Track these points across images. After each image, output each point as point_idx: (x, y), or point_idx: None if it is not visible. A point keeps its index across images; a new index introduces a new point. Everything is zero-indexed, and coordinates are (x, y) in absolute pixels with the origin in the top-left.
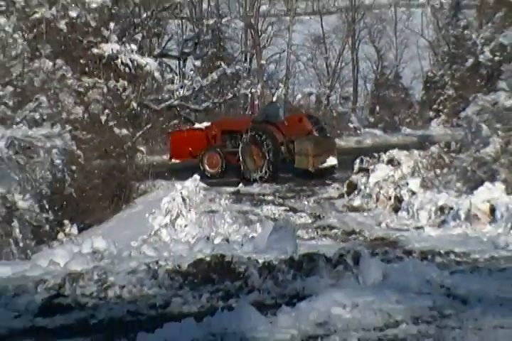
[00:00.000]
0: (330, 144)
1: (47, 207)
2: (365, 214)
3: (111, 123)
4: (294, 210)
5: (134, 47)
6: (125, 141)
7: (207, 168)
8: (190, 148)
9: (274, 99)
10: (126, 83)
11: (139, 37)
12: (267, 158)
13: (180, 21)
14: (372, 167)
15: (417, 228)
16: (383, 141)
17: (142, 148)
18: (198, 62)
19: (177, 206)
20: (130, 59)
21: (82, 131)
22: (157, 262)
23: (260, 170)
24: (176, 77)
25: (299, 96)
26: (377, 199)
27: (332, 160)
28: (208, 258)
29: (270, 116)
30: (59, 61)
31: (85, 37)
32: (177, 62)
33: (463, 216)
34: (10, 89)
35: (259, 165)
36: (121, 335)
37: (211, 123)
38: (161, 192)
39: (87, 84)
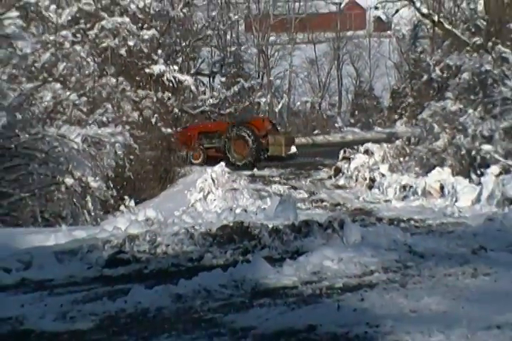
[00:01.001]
0: (291, 138)
1: (111, 186)
2: (348, 190)
3: (159, 124)
4: (295, 188)
5: (175, 67)
6: (169, 138)
7: (193, 160)
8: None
9: (280, 106)
10: (170, 94)
11: (179, 60)
12: (251, 147)
13: (210, 48)
14: (352, 156)
15: (386, 201)
16: (361, 137)
17: None
18: (223, 79)
19: (208, 185)
20: (173, 76)
21: (137, 130)
22: (193, 227)
23: (245, 158)
24: (207, 90)
25: (298, 103)
26: (356, 180)
27: (293, 149)
28: (231, 224)
29: (245, 118)
30: (120, 78)
31: (140, 60)
32: (208, 78)
33: (420, 192)
34: (84, 98)
35: (244, 154)
36: (167, 281)
37: (188, 127)
38: (196, 175)
39: (141, 95)
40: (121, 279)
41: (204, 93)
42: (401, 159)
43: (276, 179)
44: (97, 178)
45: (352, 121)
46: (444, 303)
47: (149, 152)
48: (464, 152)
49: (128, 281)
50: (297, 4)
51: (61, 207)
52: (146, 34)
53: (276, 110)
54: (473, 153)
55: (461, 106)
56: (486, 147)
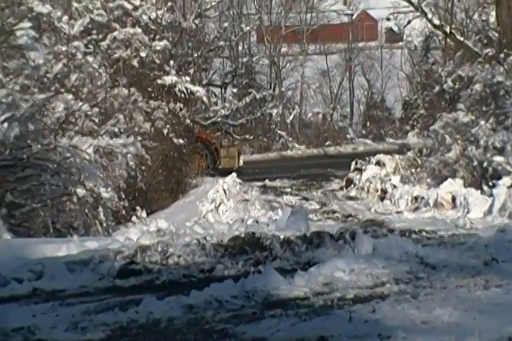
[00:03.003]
0: (239, 150)
1: (123, 197)
2: (359, 202)
3: (171, 135)
4: (306, 199)
5: (187, 78)
6: (181, 148)
7: None
8: None
9: (291, 117)
10: (182, 105)
11: (191, 71)
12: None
13: (222, 59)
14: (364, 167)
15: (398, 212)
16: (372, 148)
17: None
18: (235, 90)
19: (220, 196)
20: (185, 87)
21: (149, 140)
22: (205, 238)
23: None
24: (219, 101)
25: (310, 114)
26: (368, 191)
27: (241, 161)
28: (242, 235)
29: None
30: (132, 89)
31: (152, 71)
32: (220, 89)
33: (432, 203)
34: (96, 109)
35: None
36: (179, 292)
37: None
38: (208, 185)
39: (153, 106)
40: (132, 290)
41: (216, 104)
42: (413, 170)
43: (288, 190)
44: (109, 189)
45: (364, 132)
46: (455, 315)
47: (161, 163)
48: (475, 163)
49: (139, 292)
50: (309, 15)
51: (73, 217)
52: (158, 45)
53: (288, 121)
54: (485, 164)
55: (473, 117)
56: (498, 158)
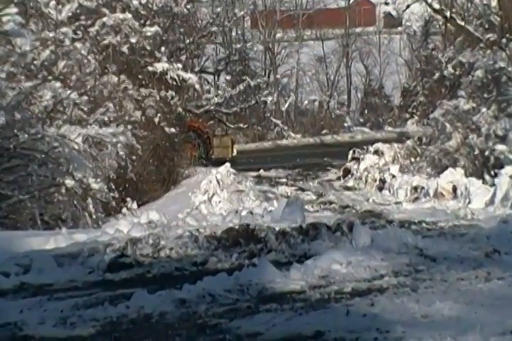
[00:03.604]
0: (232, 140)
1: (113, 187)
2: (357, 192)
3: (162, 124)
4: (302, 189)
5: (179, 65)
6: (173, 138)
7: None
8: None
9: (287, 105)
10: (173, 93)
11: (183, 57)
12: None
13: (215, 45)
14: (362, 156)
15: (397, 203)
16: (370, 137)
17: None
18: (228, 77)
19: (213, 187)
20: (176, 74)
21: (140, 129)
22: (198, 230)
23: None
24: (212, 88)
25: (306, 102)
26: (366, 181)
27: (235, 151)
28: (236, 227)
29: None
30: (122, 76)
31: (142, 58)
32: (212, 76)
33: (432, 193)
34: (85, 98)
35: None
36: (171, 286)
37: None
38: (201, 176)
39: (143, 94)
40: (123, 284)
41: (209, 92)
42: (412, 159)
43: (283, 180)
44: (99, 180)
45: (361, 120)
46: (456, 308)
47: (152, 152)
48: (477, 152)
49: (130, 286)
50: None
51: (61, 209)
52: (149, 31)
53: (283, 109)
54: (487, 153)
55: (474, 104)
56: (500, 147)
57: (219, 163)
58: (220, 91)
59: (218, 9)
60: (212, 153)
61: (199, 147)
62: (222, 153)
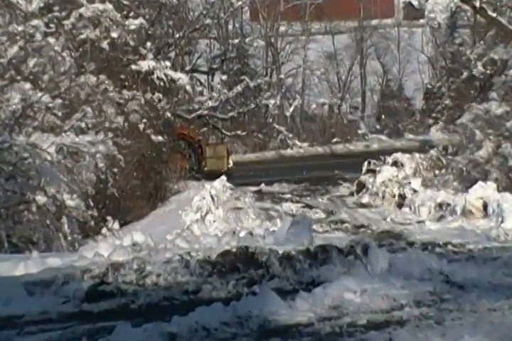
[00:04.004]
0: (228, 149)
1: (92, 205)
2: (373, 210)
3: (148, 131)
4: (310, 207)
5: (167, 63)
6: (160, 147)
7: None
8: None
9: (292, 109)
10: (161, 95)
11: (172, 55)
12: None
13: (208, 41)
14: (378, 168)
15: (419, 222)
16: (388, 146)
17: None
18: (224, 77)
19: (206, 204)
20: (164, 74)
21: (122, 137)
22: (189, 253)
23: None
24: (205, 90)
25: (314, 106)
26: (383, 197)
27: (231, 162)
28: (234, 250)
29: None
30: (102, 76)
31: (125, 55)
32: (206, 76)
33: (459, 211)
34: (59, 101)
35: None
36: (158, 318)
37: None
38: (192, 191)
39: (126, 97)
40: (103, 315)
41: (201, 94)
42: (436, 172)
43: (288, 196)
44: (75, 196)
45: (378, 126)
46: None
47: (137, 164)
48: (511, 163)
49: (112, 318)
50: None
51: (32, 229)
52: (133, 24)
53: (288, 114)
54: None
55: (508, 108)
56: None
57: (213, 176)
58: (214, 94)
59: None
60: (205, 165)
61: (190, 158)
62: (216, 164)
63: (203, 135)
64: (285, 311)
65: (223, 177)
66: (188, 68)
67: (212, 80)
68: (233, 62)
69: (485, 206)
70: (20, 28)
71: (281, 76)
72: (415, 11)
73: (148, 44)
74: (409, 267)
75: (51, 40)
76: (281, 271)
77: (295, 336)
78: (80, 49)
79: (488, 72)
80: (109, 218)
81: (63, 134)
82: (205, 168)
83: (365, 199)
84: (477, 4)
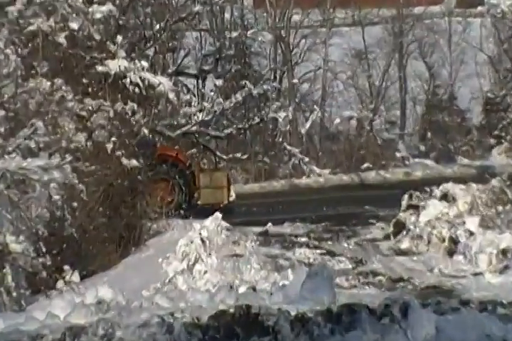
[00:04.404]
0: (229, 177)
1: (44, 250)
2: (415, 258)
3: (118, 153)
4: (332, 254)
5: (144, 64)
6: (134, 174)
7: None
8: None
9: (308, 124)
10: (135, 106)
11: (150, 52)
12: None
13: (198, 34)
14: (423, 203)
15: (476, 274)
16: (436, 173)
17: None
18: (219, 82)
19: (195, 249)
20: (140, 78)
21: (84, 161)
22: (172, 314)
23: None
24: (194, 99)
25: (337, 120)
26: (429, 241)
27: (233, 193)
28: (231, 310)
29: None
30: (58, 80)
31: (88, 52)
32: (195, 81)
33: None
34: (1, 112)
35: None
36: None
37: None
38: (177, 232)
39: (90, 107)
40: None
41: (189, 104)
42: (499, 208)
43: (303, 239)
44: (21, 238)
45: (422, 148)
46: None
47: (103, 196)
48: None
49: None
50: None
51: None
52: (98, 11)
53: (303, 131)
54: None
55: None
56: None
57: (207, 212)
58: (206, 104)
59: None
60: (199, 197)
61: (177, 188)
62: (214, 196)
63: (192, 158)
64: None
65: (218, 215)
66: (171, 70)
67: (203, 86)
68: (231, 63)
69: None
70: None
71: (295, 81)
72: None
73: (119, 38)
74: (463, 333)
75: None
76: (293, 338)
77: None
78: (29, 44)
79: None
80: (66, 267)
81: (6, 156)
82: (199, 202)
83: (405, 244)
84: None
